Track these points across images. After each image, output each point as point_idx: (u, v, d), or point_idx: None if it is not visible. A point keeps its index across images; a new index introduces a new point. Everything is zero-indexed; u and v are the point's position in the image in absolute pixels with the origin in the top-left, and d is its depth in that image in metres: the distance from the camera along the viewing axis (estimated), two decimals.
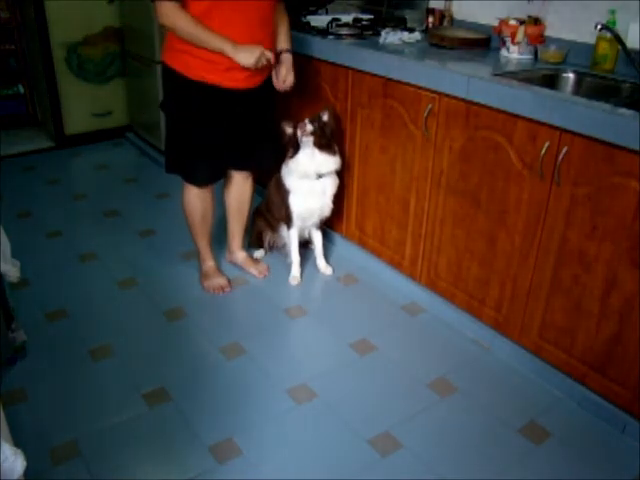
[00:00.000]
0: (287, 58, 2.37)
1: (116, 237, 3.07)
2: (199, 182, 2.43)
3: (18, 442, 1.27)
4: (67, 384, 2.09)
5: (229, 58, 2.11)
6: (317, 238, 2.77)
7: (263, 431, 1.92)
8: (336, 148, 2.56)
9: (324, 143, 2.49)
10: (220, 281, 2.63)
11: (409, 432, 1.93)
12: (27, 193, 3.53)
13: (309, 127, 2.43)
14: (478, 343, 2.35)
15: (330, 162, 2.54)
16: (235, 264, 2.78)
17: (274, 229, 2.81)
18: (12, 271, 2.01)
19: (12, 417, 1.44)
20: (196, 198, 2.47)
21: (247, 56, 2.12)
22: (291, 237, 2.68)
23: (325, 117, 2.50)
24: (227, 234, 2.76)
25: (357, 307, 2.57)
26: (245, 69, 2.16)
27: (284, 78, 2.35)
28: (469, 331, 2.39)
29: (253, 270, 2.73)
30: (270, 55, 2.19)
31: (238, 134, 2.39)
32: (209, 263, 2.65)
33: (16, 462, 1.15)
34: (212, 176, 2.45)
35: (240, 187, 2.63)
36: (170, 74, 2.23)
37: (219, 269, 2.69)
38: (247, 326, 2.44)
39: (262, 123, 2.44)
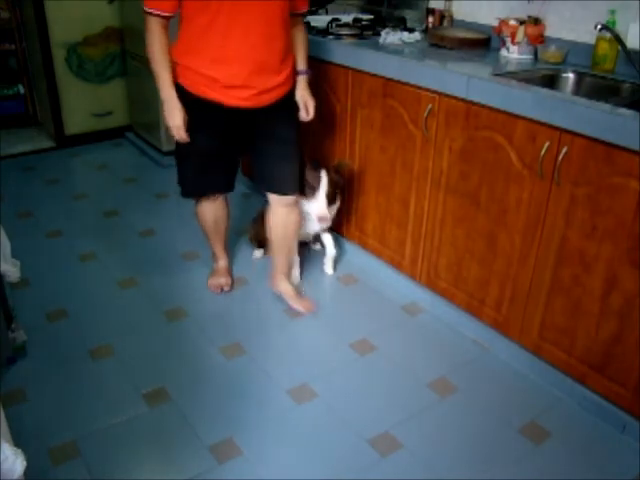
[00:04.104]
0: (302, 80, 2.28)
1: (116, 237, 3.07)
2: (189, 196, 2.44)
3: (18, 442, 1.27)
4: (67, 384, 2.09)
5: (225, 76, 2.05)
6: (327, 241, 2.74)
7: (263, 431, 1.92)
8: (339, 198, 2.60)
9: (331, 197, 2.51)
10: (221, 280, 2.63)
11: (409, 432, 1.93)
12: (27, 193, 3.52)
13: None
14: (478, 343, 2.35)
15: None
16: (279, 295, 2.57)
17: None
18: (12, 271, 2.01)
19: (12, 417, 1.44)
20: (207, 207, 2.47)
21: (166, 115, 2.12)
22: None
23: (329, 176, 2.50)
24: (271, 263, 2.57)
25: (357, 307, 2.57)
26: (246, 88, 2.08)
27: (304, 104, 2.28)
28: (469, 331, 2.39)
29: (297, 306, 2.49)
30: (182, 137, 2.14)
31: (251, 153, 2.33)
32: (221, 263, 2.67)
33: (16, 462, 1.15)
34: (203, 191, 2.41)
35: (283, 219, 2.43)
36: (177, 89, 2.13)
37: (229, 269, 2.70)
38: (247, 326, 2.44)
39: (280, 143, 2.28)
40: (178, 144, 2.27)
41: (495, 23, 2.50)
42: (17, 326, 2.16)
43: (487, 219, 2.16)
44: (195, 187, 2.41)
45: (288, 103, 2.25)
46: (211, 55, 2.04)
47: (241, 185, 2.45)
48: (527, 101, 1.89)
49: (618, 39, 2.15)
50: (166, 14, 2.02)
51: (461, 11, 2.75)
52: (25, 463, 1.17)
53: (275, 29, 2.05)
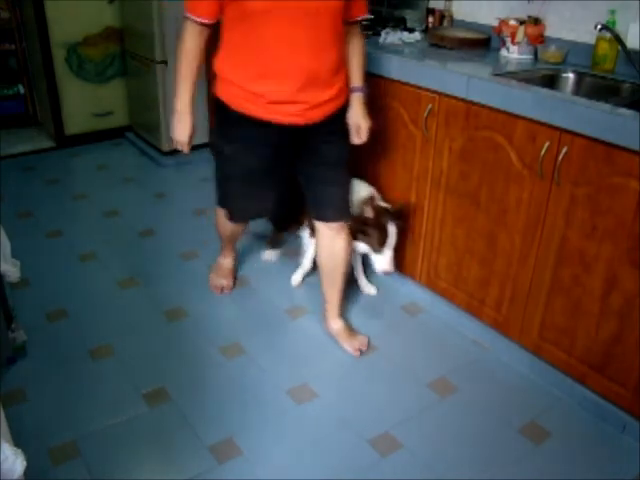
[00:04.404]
0: (356, 98, 2.04)
1: (116, 237, 3.06)
2: (236, 221, 2.33)
3: (18, 442, 1.27)
4: (67, 384, 2.09)
5: (271, 92, 1.85)
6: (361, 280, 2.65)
7: (263, 431, 1.92)
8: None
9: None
10: (223, 282, 2.62)
11: (409, 432, 1.93)
12: (27, 193, 3.52)
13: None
14: (478, 343, 2.35)
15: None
16: (330, 335, 2.38)
17: (298, 226, 2.66)
18: (12, 271, 2.01)
19: (12, 417, 1.43)
20: (227, 220, 2.36)
21: (174, 128, 2.01)
22: (312, 244, 2.55)
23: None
24: (322, 298, 2.38)
25: (357, 307, 2.57)
26: (295, 103, 1.87)
27: (356, 127, 2.07)
28: (469, 331, 2.39)
29: (347, 346, 2.28)
30: (185, 151, 2.05)
31: (297, 174, 2.14)
32: (227, 260, 2.64)
33: (16, 462, 1.15)
34: (249, 216, 2.36)
35: (330, 244, 2.20)
36: (218, 105, 2.00)
37: (233, 270, 2.67)
38: (247, 326, 2.44)
39: (329, 166, 2.08)
40: (221, 164, 2.14)
41: (495, 23, 2.50)
42: (17, 326, 2.16)
43: (487, 219, 2.16)
44: (245, 214, 2.31)
45: (340, 120, 2.04)
46: (256, 69, 1.84)
47: None
48: (527, 101, 1.89)
49: (618, 39, 2.15)
50: (203, 21, 1.84)
51: (461, 11, 2.76)
52: (25, 463, 1.17)
53: (325, 38, 1.82)
